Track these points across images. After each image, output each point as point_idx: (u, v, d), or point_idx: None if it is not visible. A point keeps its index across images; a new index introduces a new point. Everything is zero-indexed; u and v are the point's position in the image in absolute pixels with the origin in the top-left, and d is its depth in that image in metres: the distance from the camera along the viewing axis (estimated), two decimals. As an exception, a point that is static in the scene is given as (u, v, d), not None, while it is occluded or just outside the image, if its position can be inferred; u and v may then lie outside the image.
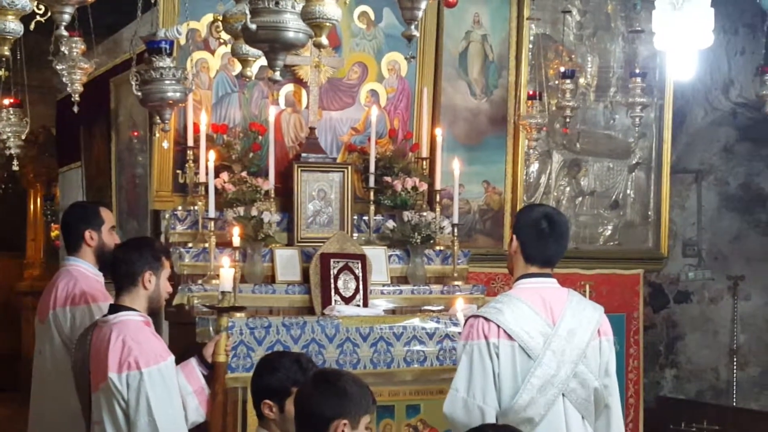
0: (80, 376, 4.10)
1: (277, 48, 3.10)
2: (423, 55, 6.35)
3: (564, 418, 3.66)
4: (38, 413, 4.74)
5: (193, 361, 4.21)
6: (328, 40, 6.02)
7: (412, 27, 2.57)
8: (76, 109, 5.28)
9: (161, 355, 3.89)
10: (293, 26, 3.02)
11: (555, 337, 3.68)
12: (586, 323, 3.75)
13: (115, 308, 4.03)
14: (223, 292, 4.39)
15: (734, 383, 8.73)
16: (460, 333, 3.94)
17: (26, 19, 3.13)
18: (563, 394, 3.66)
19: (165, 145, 5.14)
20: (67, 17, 2.91)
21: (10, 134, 5.97)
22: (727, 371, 8.96)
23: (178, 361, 4.16)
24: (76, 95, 5.24)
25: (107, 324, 3.95)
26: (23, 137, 6.02)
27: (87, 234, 4.72)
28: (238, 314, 5.02)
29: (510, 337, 3.67)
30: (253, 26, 3.02)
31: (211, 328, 4.80)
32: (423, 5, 2.58)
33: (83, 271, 4.71)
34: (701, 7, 3.40)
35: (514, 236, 3.83)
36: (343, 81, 6.14)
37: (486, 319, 3.70)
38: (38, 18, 3.77)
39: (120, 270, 4.05)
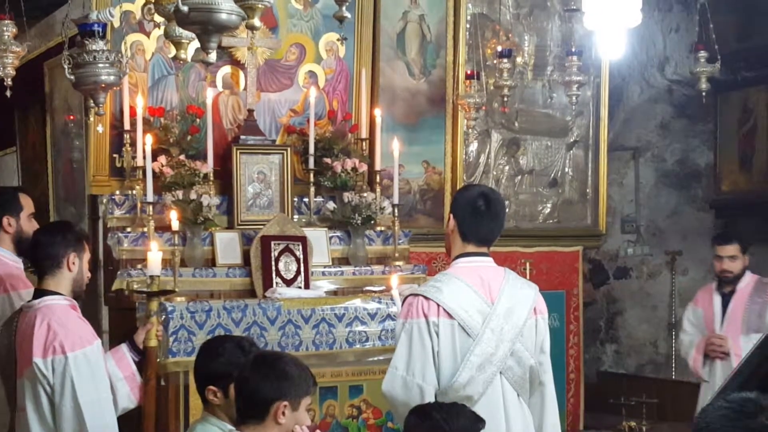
0: (6, 363, 4.05)
1: (209, 30, 3.07)
2: (361, 36, 6.34)
3: (501, 396, 3.71)
4: None
5: (123, 347, 4.18)
6: (265, 21, 6.04)
7: (344, 8, 2.57)
8: (8, 93, 5.19)
9: (87, 339, 3.86)
10: (226, 8, 2.99)
11: (493, 315, 3.71)
12: (523, 302, 3.79)
13: (39, 293, 3.97)
14: (151, 276, 4.37)
15: (673, 357, 8.88)
16: (396, 311, 3.96)
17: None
18: (501, 372, 3.70)
19: (100, 129, 5.08)
20: (-7, 1, 2.86)
21: (-59, 120, 5.86)
22: (666, 345, 9.12)
23: (118, 347, 4.16)
24: (9, 79, 5.15)
25: (32, 309, 3.90)
26: (-45, 122, 5.91)
27: (5, 220, 4.61)
28: (178, 299, 5.01)
29: (449, 316, 3.69)
30: (185, 8, 2.99)
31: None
32: (354, -14, 2.59)
33: (2, 259, 4.60)
34: (629, -14, 3.46)
35: (451, 215, 3.86)
36: (280, 62, 6.12)
37: (425, 297, 3.72)
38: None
39: (42, 253, 3.99)
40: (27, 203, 4.72)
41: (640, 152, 9.27)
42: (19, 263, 4.68)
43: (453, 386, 3.63)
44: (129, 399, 4.06)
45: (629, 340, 9.36)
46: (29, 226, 4.67)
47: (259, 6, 2.88)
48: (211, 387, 3.52)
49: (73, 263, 3.97)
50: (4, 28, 5.06)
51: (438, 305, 3.69)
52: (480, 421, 3.12)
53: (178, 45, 3.71)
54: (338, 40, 6.03)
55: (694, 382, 8.47)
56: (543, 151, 7.29)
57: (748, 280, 6.11)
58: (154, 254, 4.36)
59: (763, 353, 2.31)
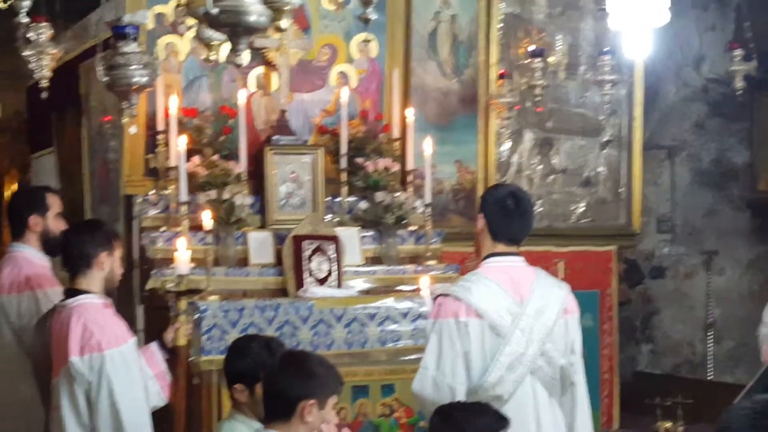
0: (40, 362, 4.09)
1: (239, 32, 3.10)
2: (393, 36, 6.36)
3: (532, 396, 3.70)
4: None
5: (153, 346, 4.21)
6: (297, 22, 6.07)
7: (369, 10, 2.59)
8: (44, 95, 5.25)
9: (123, 337, 3.89)
10: (255, 10, 3.02)
11: (523, 315, 3.71)
12: (553, 302, 3.78)
13: (72, 292, 3.99)
14: (179, 276, 4.41)
15: (709, 357, 8.81)
16: (427, 311, 3.97)
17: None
18: (531, 372, 3.70)
19: (133, 130, 5.12)
20: (26, 3, 2.91)
21: (-21, 122, 5.94)
22: (702, 345, 9.04)
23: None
24: (45, 81, 5.21)
25: (66, 308, 3.94)
26: (-6, 124, 5.98)
27: (32, 219, 4.63)
28: (211, 298, 5.05)
29: (479, 316, 3.69)
30: (215, 10, 3.03)
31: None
32: (380, -13, 2.60)
33: (28, 257, 4.63)
34: (655, -15, 3.43)
35: (481, 215, 3.86)
36: (312, 63, 6.14)
37: (455, 297, 3.72)
38: (1, 5, 3.75)
39: (74, 252, 4.01)
40: (54, 202, 4.74)
41: (676, 151, 9.20)
42: (46, 262, 4.71)
43: (483, 386, 3.63)
44: (159, 397, 4.08)
45: (665, 340, 9.29)
46: (56, 225, 4.69)
47: (287, 7, 2.90)
48: (238, 385, 3.56)
49: (104, 262, 4.00)
50: (41, 31, 5.11)
51: (468, 305, 3.69)
52: (503, 420, 3.11)
53: (209, 47, 3.75)
54: (364, 41, 6.05)
55: (731, 383, 8.41)
56: (576, 150, 7.25)
57: None
58: (182, 253, 4.40)
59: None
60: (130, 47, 3.91)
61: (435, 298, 3.83)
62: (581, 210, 7.29)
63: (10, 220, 4.79)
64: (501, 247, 3.82)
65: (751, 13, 6.71)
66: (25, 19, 2.94)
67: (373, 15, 2.63)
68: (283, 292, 5.50)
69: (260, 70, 5.97)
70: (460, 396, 3.61)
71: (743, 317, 9.02)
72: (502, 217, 3.81)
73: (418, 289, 5.64)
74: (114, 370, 3.80)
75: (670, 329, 9.28)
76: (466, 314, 3.69)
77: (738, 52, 6.59)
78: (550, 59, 6.91)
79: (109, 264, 4.01)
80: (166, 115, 5.50)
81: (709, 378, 8.69)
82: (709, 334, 8.82)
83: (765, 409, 1.96)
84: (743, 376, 8.14)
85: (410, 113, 6.18)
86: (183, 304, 4.42)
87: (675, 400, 7.32)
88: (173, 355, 4.25)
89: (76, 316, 3.86)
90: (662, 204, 9.27)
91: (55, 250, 4.72)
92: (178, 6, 5.30)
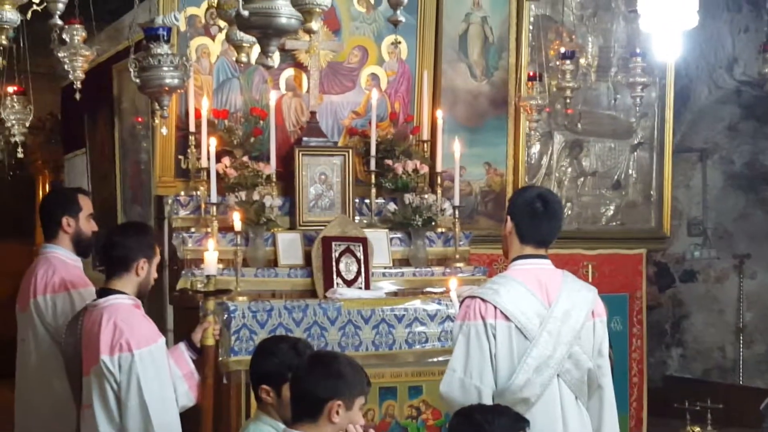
0: (72, 360, 4.13)
1: (269, 34, 3.12)
2: (423, 38, 6.36)
3: (559, 399, 3.68)
4: (24, 400, 4.72)
5: (181, 346, 4.24)
6: (328, 24, 6.09)
7: (398, 12, 2.60)
8: (78, 96, 5.30)
9: (152, 337, 3.92)
10: (285, 12, 3.03)
11: (551, 318, 3.70)
12: (581, 304, 3.76)
13: (105, 292, 4.05)
14: (208, 276, 4.43)
15: (740, 361, 8.75)
16: (455, 313, 3.97)
17: (25, 8, 3.16)
18: (558, 375, 3.68)
19: (164, 131, 5.17)
20: (61, 6, 2.96)
21: (14, 122, 6.00)
22: (733, 350, 8.99)
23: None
24: (78, 82, 5.26)
25: (98, 308, 3.98)
26: (27, 124, 6.05)
27: (65, 221, 4.69)
28: (240, 298, 5.07)
29: (506, 318, 3.68)
30: (246, 13, 3.05)
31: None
32: (408, -9, 2.61)
33: (62, 258, 4.69)
34: (686, -12, 3.41)
35: (509, 217, 3.85)
36: (343, 65, 6.16)
37: (483, 299, 3.71)
38: (35, 7, 3.80)
39: (115, 254, 4.05)
40: (86, 204, 4.80)
41: (708, 154, 9.16)
42: (78, 262, 4.77)
43: (510, 388, 3.62)
44: (187, 397, 4.10)
45: (695, 344, 9.24)
46: (88, 226, 4.75)
47: (317, 10, 2.91)
48: (265, 386, 3.57)
49: (142, 269, 4.04)
50: (74, 32, 5.16)
51: (495, 307, 3.68)
52: (522, 421, 3.11)
53: (239, 49, 3.78)
54: (393, 43, 6.06)
55: (762, 388, 8.35)
56: (606, 152, 7.22)
57: None
58: (211, 254, 4.43)
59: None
60: (162, 49, 3.93)
61: (462, 300, 3.83)
62: (611, 213, 7.27)
63: (43, 221, 4.85)
64: (529, 250, 3.81)
65: (784, 16, 6.67)
66: (59, 22, 2.97)
67: (402, 18, 2.64)
68: (311, 293, 5.52)
69: (291, 71, 6.00)
70: (487, 398, 3.60)
71: (775, 321, 8.97)
72: (531, 219, 3.79)
73: (446, 291, 5.66)
74: (143, 370, 3.83)
75: (700, 333, 9.23)
76: (494, 316, 3.68)
77: (771, 55, 6.54)
78: (581, 61, 6.89)
79: (146, 271, 4.05)
80: (197, 116, 5.54)
81: (739, 383, 8.63)
82: (740, 338, 8.76)
83: None
84: (774, 381, 8.09)
85: (440, 115, 6.19)
86: (211, 304, 4.44)
87: (704, 405, 7.28)
88: (201, 355, 4.28)
89: (107, 315, 3.90)
90: (694, 207, 9.22)
91: (87, 250, 4.79)
92: (209, 8, 5.37)
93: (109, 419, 3.89)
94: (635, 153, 7.33)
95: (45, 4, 3.32)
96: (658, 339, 9.02)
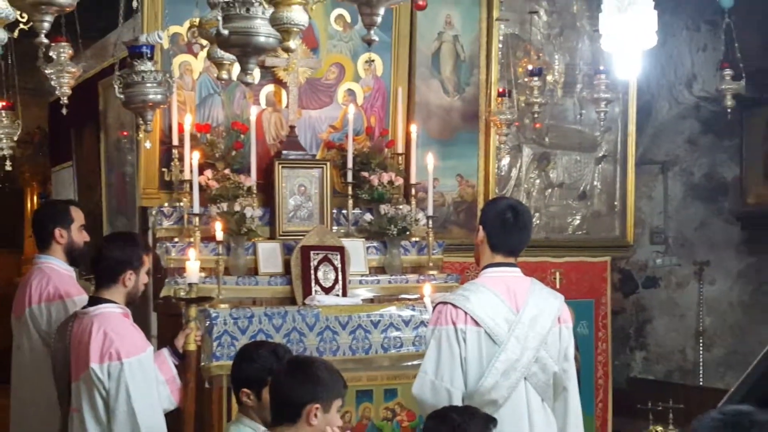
0: (60, 365, 4.12)
1: (248, 52, 3.12)
2: (397, 56, 6.37)
3: (525, 401, 3.71)
4: (19, 405, 4.74)
5: (165, 352, 4.24)
6: (307, 43, 6.09)
7: (372, 32, 2.61)
8: (65, 111, 5.28)
9: (141, 346, 3.92)
10: (263, 31, 3.03)
11: (519, 324, 3.72)
12: (548, 311, 3.79)
13: (94, 300, 4.04)
14: (190, 284, 4.43)
15: (700, 364, 8.79)
16: (428, 318, 3.98)
17: (12, 26, 3.14)
18: (525, 378, 3.71)
19: (148, 145, 5.15)
20: (46, 25, 2.92)
21: (2, 136, 5.96)
22: (693, 353, 9.03)
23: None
24: (65, 98, 5.24)
25: (88, 315, 3.97)
26: (15, 138, 6.01)
27: (57, 232, 4.71)
28: (222, 305, 5.06)
29: (476, 323, 3.71)
30: (226, 32, 3.05)
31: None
32: (381, 11, 2.60)
33: (55, 268, 4.70)
34: (645, 10, 3.44)
35: (481, 227, 3.88)
36: (321, 81, 6.16)
37: (454, 305, 3.74)
38: (21, 26, 3.78)
39: (103, 265, 4.06)
40: (78, 216, 4.80)
41: (669, 166, 9.21)
42: (72, 272, 4.77)
43: (479, 390, 3.64)
44: (169, 401, 4.11)
45: (658, 347, 9.28)
46: (80, 237, 4.76)
47: (295, 29, 2.91)
48: (245, 389, 3.57)
49: (129, 279, 4.04)
50: (61, 50, 5.15)
51: (466, 313, 3.71)
52: (491, 421, 3.13)
53: (220, 66, 3.76)
54: (368, 61, 6.08)
55: (721, 389, 8.39)
56: (572, 165, 7.25)
57: None
58: (193, 263, 4.43)
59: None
60: (146, 66, 3.93)
61: (435, 306, 3.84)
62: (577, 222, 7.30)
63: (36, 232, 4.85)
64: (499, 258, 3.84)
65: (740, 35, 6.71)
66: (44, 40, 2.95)
67: (375, 37, 2.64)
68: (290, 300, 5.50)
69: (270, 87, 5.99)
70: (457, 400, 3.62)
71: (733, 325, 9.02)
72: (501, 229, 3.82)
73: (420, 298, 5.67)
74: (132, 378, 3.83)
75: (662, 337, 9.27)
76: (464, 322, 3.70)
77: (728, 72, 6.59)
78: (548, 78, 6.93)
79: (134, 280, 4.05)
80: (180, 130, 5.52)
81: (699, 384, 8.67)
82: (699, 341, 8.81)
83: (733, 419, 1.95)
84: (732, 382, 8.09)
85: (414, 129, 6.20)
86: (193, 311, 4.43)
87: (666, 405, 7.30)
88: (183, 361, 4.27)
89: (98, 324, 3.89)
90: (656, 217, 9.27)
91: (79, 260, 4.78)
92: (191, 27, 5.36)
93: (98, 423, 3.89)
94: (600, 165, 7.36)
95: (31, 23, 3.30)
96: (622, 342, 9.06)
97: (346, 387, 3.27)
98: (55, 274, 4.67)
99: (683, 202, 9.23)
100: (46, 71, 5.20)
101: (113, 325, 3.90)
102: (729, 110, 6.66)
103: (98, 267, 4.08)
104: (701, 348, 8.81)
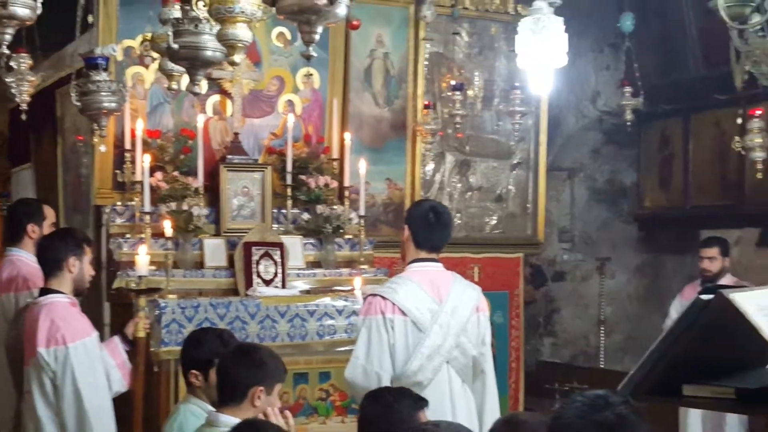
0: (14, 351, 4.06)
1: (197, 65, 3.11)
2: (333, 70, 6.37)
3: (448, 382, 3.76)
4: None
5: (116, 339, 4.21)
6: (250, 57, 6.06)
7: (310, 48, 2.62)
8: (24, 116, 5.18)
9: (86, 331, 3.88)
10: (211, 46, 3.03)
11: (441, 313, 3.76)
12: (467, 301, 3.84)
13: (44, 291, 3.98)
14: (140, 276, 4.40)
15: (601, 349, 8.94)
16: (359, 308, 4.00)
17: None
18: (447, 362, 3.75)
19: (102, 149, 5.08)
20: (8, 37, 2.87)
21: (-36, 140, 5.83)
22: (595, 338, 9.17)
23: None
24: (25, 104, 5.14)
25: (38, 305, 3.91)
26: (-23, 141, 5.88)
27: (30, 227, 4.66)
28: (170, 296, 5.01)
29: (403, 313, 3.74)
30: (176, 46, 3.03)
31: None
32: (319, 30, 2.61)
33: (24, 260, 4.63)
34: (556, 33, 3.51)
35: (406, 226, 3.91)
36: (263, 92, 6.14)
37: (383, 297, 3.77)
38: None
39: (46, 257, 4.01)
40: (49, 214, 4.79)
41: (575, 173, 9.34)
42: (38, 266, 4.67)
43: (405, 373, 3.67)
44: (120, 383, 4.07)
45: (564, 334, 9.41)
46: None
47: (239, 44, 2.90)
48: (194, 371, 3.55)
49: (74, 266, 3.98)
50: (21, 60, 5.06)
51: (393, 304, 3.74)
52: (422, 400, 3.16)
53: (170, 77, 3.73)
54: (306, 74, 6.10)
55: (619, 371, 8.54)
56: (490, 171, 7.32)
57: (727, 281, 6.10)
58: (142, 257, 4.40)
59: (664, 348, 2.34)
60: (101, 76, 3.90)
61: (365, 298, 3.86)
62: (494, 222, 7.37)
63: (10, 226, 4.79)
64: (423, 254, 3.88)
65: (639, 56, 6.86)
66: (6, 51, 2.90)
67: (313, 53, 2.65)
68: (234, 291, 5.47)
69: (216, 97, 5.95)
70: (386, 382, 3.65)
71: (630, 314, 9.20)
72: (425, 228, 3.86)
73: (352, 290, 5.68)
74: (77, 361, 3.78)
75: (568, 325, 9.40)
76: (392, 312, 3.74)
77: (628, 89, 6.74)
78: (469, 92, 6.99)
79: (78, 267, 3.99)
80: (133, 135, 5.46)
81: (601, 366, 8.82)
82: (601, 329, 8.96)
83: (592, 402, 2.01)
84: (630, 365, 8.24)
85: (347, 137, 6.21)
86: (142, 301, 4.40)
87: (572, 386, 7.43)
88: (133, 347, 4.22)
89: (45, 312, 3.84)
90: (563, 217, 9.40)
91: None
92: (143, 41, 5.30)
93: (47, 404, 3.84)
94: (514, 171, 7.45)
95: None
96: (533, 330, 9.16)
97: (286, 371, 3.28)
98: (24, 266, 4.60)
99: (587, 204, 9.37)
100: (7, 80, 5.09)
101: (60, 313, 3.85)
102: (628, 123, 6.80)
103: (44, 259, 4.01)
104: (602, 335, 8.94)
